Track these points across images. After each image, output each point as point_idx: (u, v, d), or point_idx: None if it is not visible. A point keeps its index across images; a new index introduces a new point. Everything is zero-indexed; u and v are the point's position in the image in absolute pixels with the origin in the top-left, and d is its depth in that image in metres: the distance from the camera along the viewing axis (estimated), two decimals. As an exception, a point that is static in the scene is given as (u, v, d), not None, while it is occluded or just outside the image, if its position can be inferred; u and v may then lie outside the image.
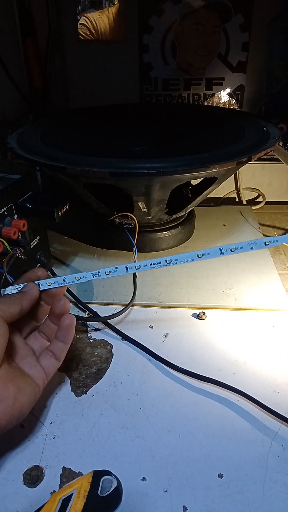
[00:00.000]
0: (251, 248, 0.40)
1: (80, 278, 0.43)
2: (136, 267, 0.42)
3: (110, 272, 0.42)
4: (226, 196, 0.90)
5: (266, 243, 0.40)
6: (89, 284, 0.60)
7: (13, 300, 0.39)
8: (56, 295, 0.43)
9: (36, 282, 0.42)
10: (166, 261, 0.42)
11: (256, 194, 0.90)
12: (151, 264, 0.42)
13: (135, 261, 0.60)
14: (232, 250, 0.41)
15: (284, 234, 0.73)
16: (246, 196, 0.89)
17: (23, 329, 0.43)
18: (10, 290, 0.42)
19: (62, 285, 0.43)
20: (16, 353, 0.40)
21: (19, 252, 0.49)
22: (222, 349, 0.48)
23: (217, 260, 0.55)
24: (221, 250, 0.41)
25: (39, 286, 0.42)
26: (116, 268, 0.43)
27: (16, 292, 0.41)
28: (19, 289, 0.42)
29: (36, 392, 0.38)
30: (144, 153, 0.69)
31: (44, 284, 0.42)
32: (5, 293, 0.41)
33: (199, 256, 0.42)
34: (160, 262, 0.42)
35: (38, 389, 0.38)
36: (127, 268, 0.43)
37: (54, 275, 0.59)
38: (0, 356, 0.35)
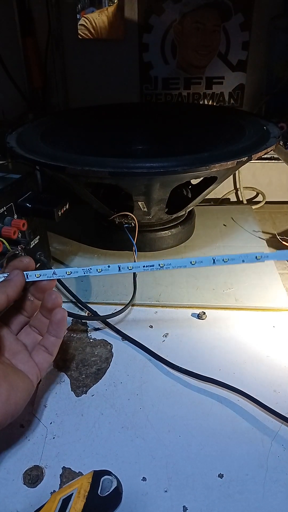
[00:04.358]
0: (243, 261, 0.42)
1: (71, 273, 0.42)
2: (129, 268, 0.42)
3: (102, 270, 0.42)
4: (226, 196, 0.90)
5: (258, 258, 0.41)
6: (89, 283, 0.60)
7: None
8: (46, 289, 0.42)
9: (25, 273, 0.41)
10: (159, 265, 0.42)
11: (256, 194, 0.90)
12: (144, 266, 0.42)
13: (135, 261, 0.60)
14: (225, 260, 0.42)
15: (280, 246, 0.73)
16: (246, 195, 0.89)
17: (14, 325, 0.42)
18: None
19: (51, 278, 0.42)
20: (7, 350, 0.39)
21: (19, 249, 0.49)
22: (222, 349, 0.48)
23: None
24: (213, 260, 0.42)
25: (27, 277, 0.41)
26: (109, 266, 0.42)
27: (0, 281, 0.40)
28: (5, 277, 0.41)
29: (30, 388, 0.38)
30: (144, 153, 0.69)
31: (33, 276, 0.41)
32: None
33: (192, 263, 0.42)
34: (153, 265, 0.42)
35: (31, 384, 0.38)
36: (119, 267, 0.42)
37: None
38: None
